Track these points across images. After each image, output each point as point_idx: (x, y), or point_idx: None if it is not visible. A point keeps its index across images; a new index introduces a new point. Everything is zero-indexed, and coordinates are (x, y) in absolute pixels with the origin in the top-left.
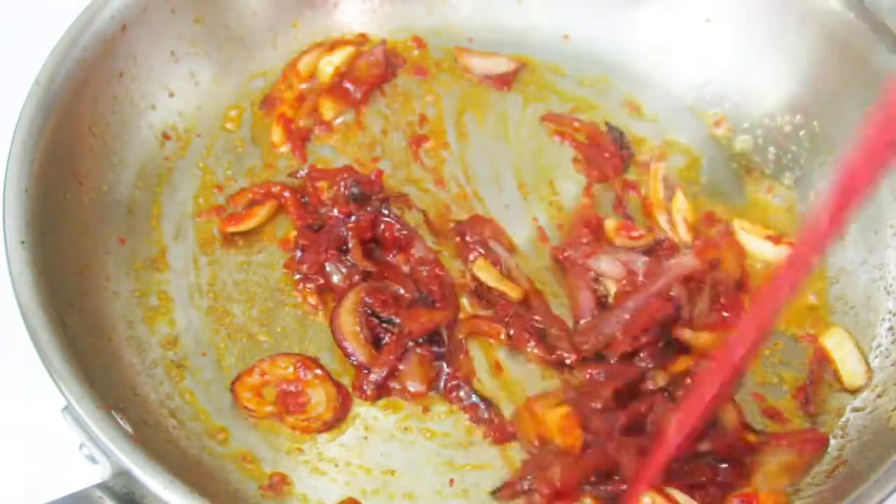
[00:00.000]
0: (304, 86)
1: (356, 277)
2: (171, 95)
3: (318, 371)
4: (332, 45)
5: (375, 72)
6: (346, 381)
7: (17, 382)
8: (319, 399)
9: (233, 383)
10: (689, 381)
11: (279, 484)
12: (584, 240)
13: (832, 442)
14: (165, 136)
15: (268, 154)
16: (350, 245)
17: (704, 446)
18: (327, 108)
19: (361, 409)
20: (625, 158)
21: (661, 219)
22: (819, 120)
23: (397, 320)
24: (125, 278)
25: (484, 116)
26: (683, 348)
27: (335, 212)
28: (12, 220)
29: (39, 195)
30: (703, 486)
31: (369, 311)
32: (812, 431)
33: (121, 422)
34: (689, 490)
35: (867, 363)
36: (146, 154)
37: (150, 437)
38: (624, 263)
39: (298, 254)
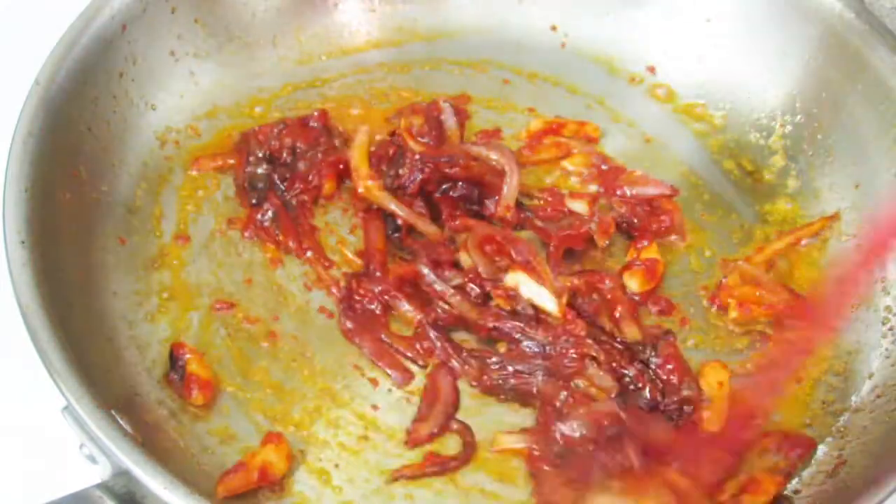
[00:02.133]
0: None
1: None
2: (171, 95)
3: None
4: None
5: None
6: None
7: (17, 382)
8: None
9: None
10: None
11: (280, 484)
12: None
13: (832, 442)
14: (165, 136)
15: None
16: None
17: None
18: None
19: (363, 411)
20: None
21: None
22: (819, 121)
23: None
24: (125, 278)
25: None
26: None
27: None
28: (12, 220)
29: (39, 195)
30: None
31: None
32: (801, 435)
33: (121, 422)
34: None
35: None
36: (146, 154)
37: (150, 437)
38: None
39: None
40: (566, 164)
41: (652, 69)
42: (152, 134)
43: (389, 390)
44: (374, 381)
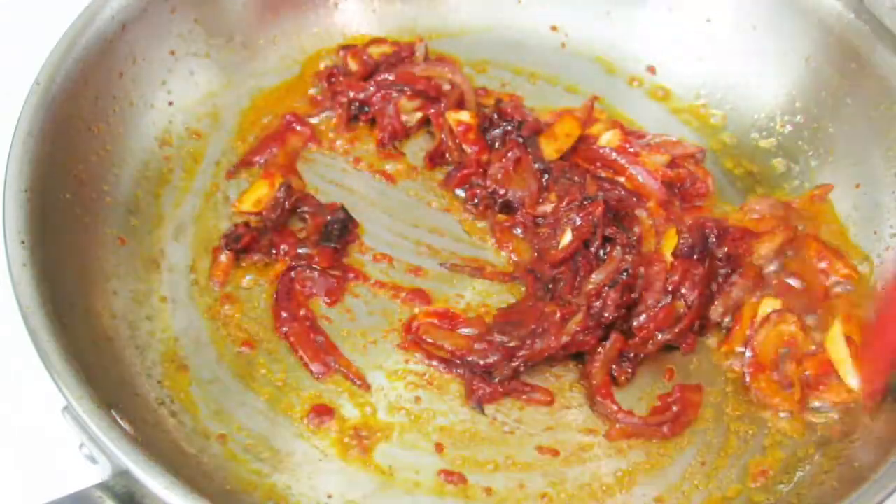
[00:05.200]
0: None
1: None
2: (172, 95)
3: None
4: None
5: None
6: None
7: (17, 382)
8: None
9: None
10: None
11: (279, 484)
12: None
13: (832, 442)
14: (165, 136)
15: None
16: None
17: None
18: None
19: (362, 411)
20: None
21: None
22: (819, 121)
23: None
24: (125, 278)
25: None
26: None
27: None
28: (12, 220)
29: (39, 195)
30: None
31: None
32: None
33: (121, 422)
34: None
35: None
36: (146, 154)
37: (150, 437)
38: None
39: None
40: (602, 141)
41: (652, 69)
42: (152, 134)
43: (386, 392)
44: (370, 383)
